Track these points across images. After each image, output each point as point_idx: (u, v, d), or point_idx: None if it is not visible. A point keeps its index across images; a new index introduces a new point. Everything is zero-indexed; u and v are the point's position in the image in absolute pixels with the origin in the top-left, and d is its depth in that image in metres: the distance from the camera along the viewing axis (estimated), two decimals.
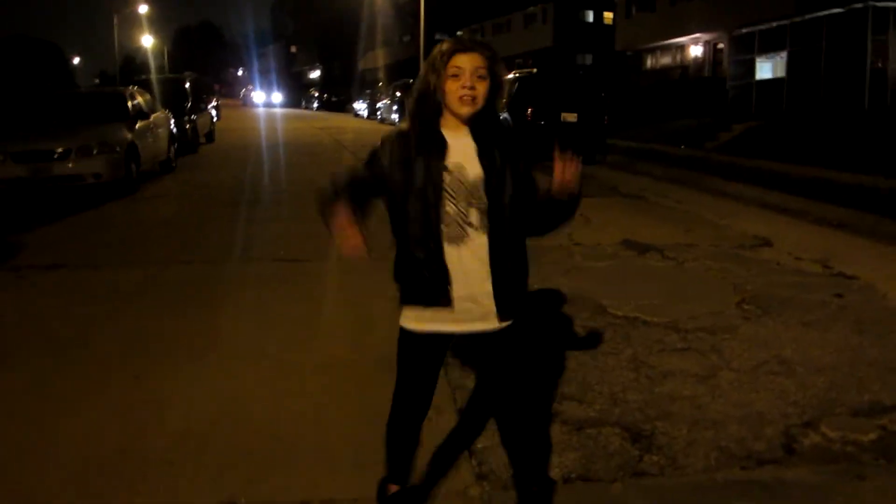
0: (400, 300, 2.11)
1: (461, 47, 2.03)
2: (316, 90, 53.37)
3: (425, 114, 2.04)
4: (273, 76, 72.69)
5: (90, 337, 4.19)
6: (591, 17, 35.88)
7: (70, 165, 9.13)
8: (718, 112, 18.72)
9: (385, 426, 2.23)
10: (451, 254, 2.02)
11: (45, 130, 9.74)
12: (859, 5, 16.35)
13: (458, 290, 2.02)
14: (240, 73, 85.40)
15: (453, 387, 3.34)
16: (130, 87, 12.21)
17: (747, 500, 2.51)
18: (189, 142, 15.76)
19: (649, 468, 2.70)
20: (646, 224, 7.63)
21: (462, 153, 2.02)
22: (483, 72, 2.00)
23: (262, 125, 29.23)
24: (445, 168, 2.00)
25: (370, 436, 2.62)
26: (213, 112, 20.68)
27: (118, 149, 9.65)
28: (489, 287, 2.04)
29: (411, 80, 17.75)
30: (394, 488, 2.25)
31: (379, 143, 2.09)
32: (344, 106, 43.88)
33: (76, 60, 54.85)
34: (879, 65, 16.50)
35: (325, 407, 3.25)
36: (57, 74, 31.28)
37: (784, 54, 19.00)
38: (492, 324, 2.07)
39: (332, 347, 3.99)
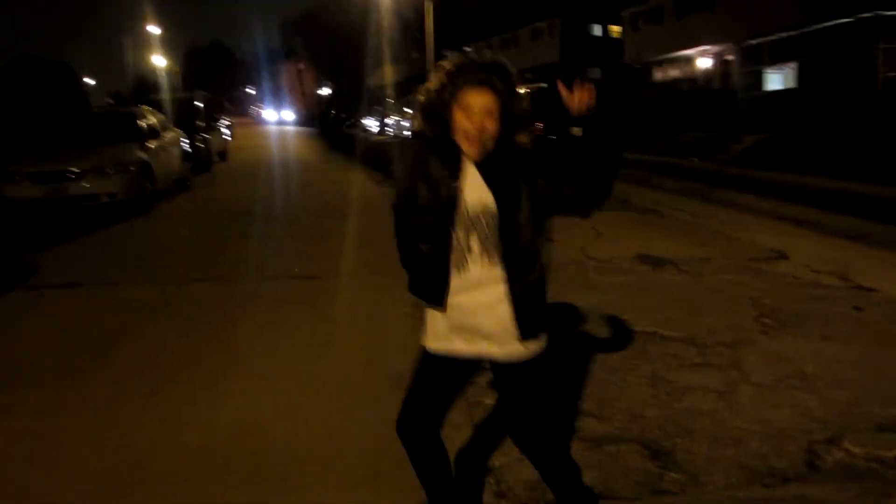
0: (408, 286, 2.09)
1: (473, 81, 1.88)
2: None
3: (435, 128, 1.97)
4: (283, 93, 73.44)
5: (107, 355, 4.21)
6: (598, 30, 35.96)
7: (85, 185, 9.26)
8: (729, 124, 18.66)
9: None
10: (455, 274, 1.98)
11: (60, 151, 9.87)
12: (868, 14, 16.34)
13: (456, 299, 1.98)
14: (251, 90, 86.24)
15: (470, 403, 3.32)
16: (143, 107, 12.33)
17: None
18: (203, 160, 15.94)
19: (670, 486, 2.67)
20: (660, 237, 7.59)
21: (470, 179, 1.97)
22: (495, 113, 1.88)
23: (274, 143, 29.45)
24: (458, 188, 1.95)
25: (386, 452, 2.62)
26: (227, 131, 20.87)
27: (132, 168, 9.77)
28: (501, 310, 1.97)
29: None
30: None
31: (398, 168, 2.04)
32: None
33: (91, 82, 55.64)
34: (890, 73, 16.45)
35: (340, 423, 3.24)
36: (70, 95, 31.66)
37: (794, 65, 19.01)
38: (507, 349, 2.00)
39: (347, 364, 3.99)
